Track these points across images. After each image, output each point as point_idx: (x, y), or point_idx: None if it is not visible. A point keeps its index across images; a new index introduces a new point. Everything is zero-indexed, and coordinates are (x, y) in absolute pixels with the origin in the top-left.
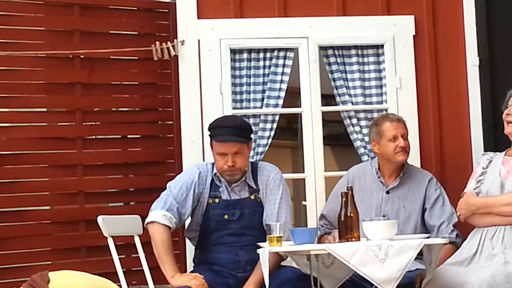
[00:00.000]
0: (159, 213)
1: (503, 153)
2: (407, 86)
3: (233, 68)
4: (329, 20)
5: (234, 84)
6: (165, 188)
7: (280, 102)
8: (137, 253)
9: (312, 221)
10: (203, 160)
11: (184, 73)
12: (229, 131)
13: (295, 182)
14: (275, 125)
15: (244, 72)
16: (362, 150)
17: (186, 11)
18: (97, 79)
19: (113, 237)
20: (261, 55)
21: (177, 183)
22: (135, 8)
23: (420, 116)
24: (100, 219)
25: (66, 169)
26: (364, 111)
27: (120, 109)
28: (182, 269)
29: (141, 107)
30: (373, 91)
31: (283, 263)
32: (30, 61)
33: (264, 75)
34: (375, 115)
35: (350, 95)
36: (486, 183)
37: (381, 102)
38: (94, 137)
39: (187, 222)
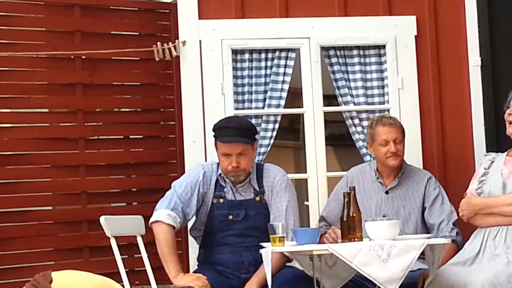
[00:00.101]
0: (164, 213)
1: (505, 153)
2: (409, 87)
3: (235, 68)
4: (331, 21)
5: (236, 85)
6: (168, 188)
7: (282, 102)
8: (139, 253)
9: (314, 221)
10: (205, 160)
11: (186, 73)
12: (234, 131)
13: (297, 183)
14: (277, 126)
15: (245, 72)
16: (364, 151)
17: (187, 11)
18: (98, 80)
19: (115, 237)
20: (263, 55)
21: (181, 182)
22: (136, 9)
23: (422, 117)
24: (102, 219)
25: (69, 170)
26: (366, 111)
27: (122, 109)
28: (185, 269)
29: (143, 108)
30: (375, 91)
31: (289, 265)
32: (32, 61)
33: (266, 75)
34: (377, 115)
35: (352, 96)
36: (488, 184)
37: (383, 103)
38: (96, 137)
39: (191, 222)
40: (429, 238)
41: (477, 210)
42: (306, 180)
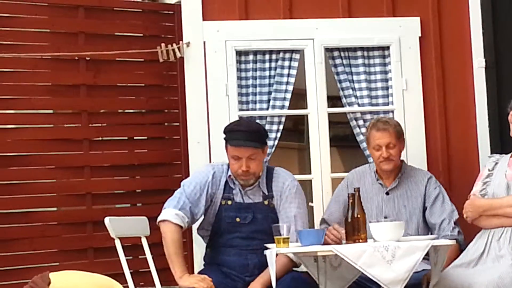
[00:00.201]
0: (172, 212)
1: (509, 155)
2: (413, 88)
3: (239, 69)
4: (335, 22)
5: (240, 86)
6: (172, 189)
7: (286, 103)
8: (144, 254)
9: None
10: (210, 161)
11: (190, 74)
12: (244, 135)
13: (301, 184)
14: (281, 127)
15: (250, 73)
16: (368, 152)
17: (191, 13)
18: (102, 81)
19: (120, 238)
20: (267, 56)
21: (191, 182)
22: (140, 10)
23: (426, 118)
24: (107, 220)
25: (73, 171)
26: (370, 112)
27: (126, 110)
28: (189, 270)
29: (147, 109)
30: (379, 92)
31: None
32: (35, 63)
33: (270, 76)
34: (374, 118)
35: (356, 97)
36: (492, 185)
37: (387, 104)
38: (100, 138)
39: (199, 221)
40: (433, 239)
41: (481, 212)
42: (310, 181)
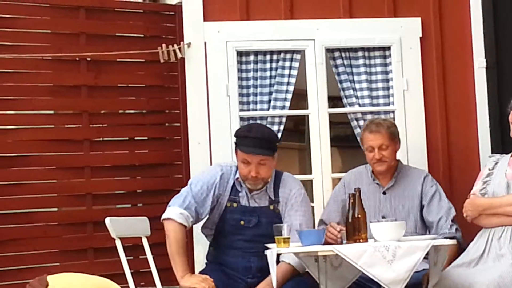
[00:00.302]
0: (177, 211)
1: (509, 154)
2: (414, 88)
3: (240, 70)
4: (336, 22)
5: (240, 86)
6: (173, 190)
7: (287, 104)
8: (145, 254)
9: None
10: (210, 162)
11: (191, 75)
12: (255, 142)
13: (302, 184)
14: (282, 127)
15: (250, 74)
16: None
17: (192, 13)
18: (103, 81)
19: (121, 238)
20: (268, 57)
21: (198, 181)
22: (141, 11)
23: (427, 118)
24: (108, 220)
25: (74, 171)
26: (371, 112)
27: (126, 111)
28: (190, 270)
29: (148, 109)
30: (380, 93)
31: None
32: (37, 63)
33: (270, 77)
34: (382, 117)
35: (357, 97)
36: (492, 184)
37: (388, 104)
38: (101, 139)
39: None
40: (433, 239)
41: (481, 211)
42: (311, 181)
